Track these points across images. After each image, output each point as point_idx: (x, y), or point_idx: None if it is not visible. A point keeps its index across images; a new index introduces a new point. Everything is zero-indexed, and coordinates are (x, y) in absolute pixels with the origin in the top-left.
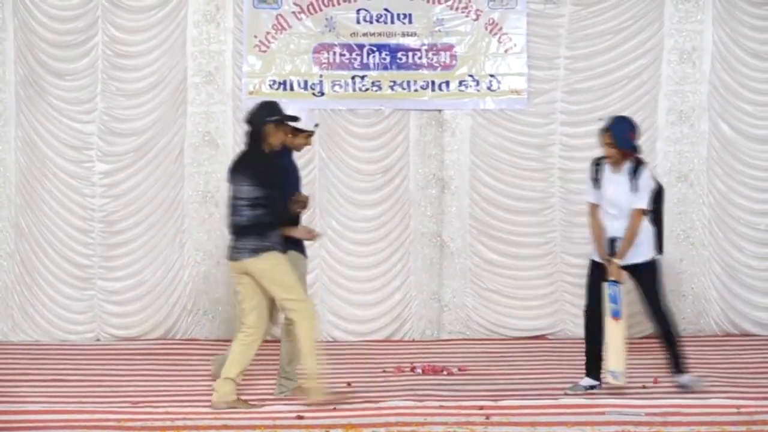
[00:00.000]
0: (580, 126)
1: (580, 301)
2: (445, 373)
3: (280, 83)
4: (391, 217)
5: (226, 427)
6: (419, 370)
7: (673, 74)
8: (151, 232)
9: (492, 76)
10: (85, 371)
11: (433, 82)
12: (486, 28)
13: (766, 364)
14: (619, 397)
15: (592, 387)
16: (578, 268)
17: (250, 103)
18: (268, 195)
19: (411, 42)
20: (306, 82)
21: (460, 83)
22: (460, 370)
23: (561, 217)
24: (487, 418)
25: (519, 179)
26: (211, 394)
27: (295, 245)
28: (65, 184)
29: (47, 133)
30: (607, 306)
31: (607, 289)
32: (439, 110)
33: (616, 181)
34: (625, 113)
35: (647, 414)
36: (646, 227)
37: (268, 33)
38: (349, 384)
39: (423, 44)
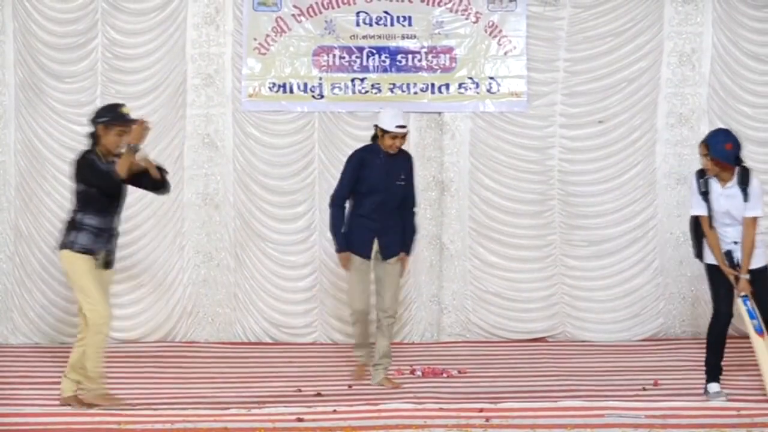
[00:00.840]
0: (580, 129)
1: (580, 303)
2: (444, 375)
3: (279, 86)
4: None
5: (226, 429)
6: (419, 373)
7: (672, 77)
8: (150, 234)
9: (491, 78)
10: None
11: (432, 85)
12: (486, 31)
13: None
14: (619, 400)
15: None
16: (578, 270)
17: (249, 106)
18: (80, 192)
19: (410, 44)
20: (306, 85)
21: (460, 86)
22: (459, 372)
23: (560, 219)
24: (487, 420)
25: (518, 182)
26: (212, 397)
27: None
28: (65, 186)
29: (47, 136)
30: (748, 323)
31: (743, 305)
32: (439, 113)
33: (727, 194)
34: (624, 116)
35: (647, 416)
36: (759, 234)
37: (267, 35)
38: (350, 386)
39: (422, 47)
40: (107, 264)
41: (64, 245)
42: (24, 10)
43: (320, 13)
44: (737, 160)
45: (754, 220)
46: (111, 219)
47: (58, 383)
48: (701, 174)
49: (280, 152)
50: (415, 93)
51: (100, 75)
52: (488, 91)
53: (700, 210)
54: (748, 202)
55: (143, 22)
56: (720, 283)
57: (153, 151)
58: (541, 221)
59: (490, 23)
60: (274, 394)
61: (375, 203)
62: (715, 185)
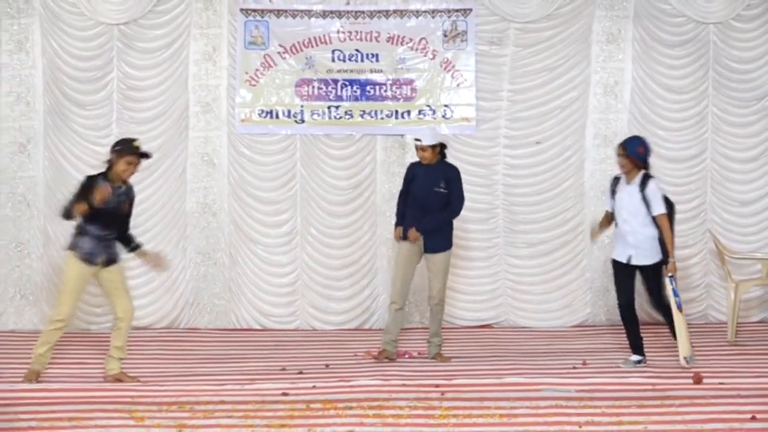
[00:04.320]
0: (521, 148)
1: (521, 295)
2: (406, 356)
3: (267, 112)
4: (361, 225)
5: (222, 402)
6: None
7: (598, 105)
8: (158, 238)
9: (446, 106)
10: (103, 356)
11: (396, 111)
12: (441, 66)
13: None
14: (553, 377)
15: (639, 362)
16: (519, 268)
17: (242, 129)
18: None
19: (378, 77)
20: (289, 111)
21: (419, 112)
22: (419, 354)
23: (504, 225)
24: (443, 394)
25: (469, 193)
26: (210, 374)
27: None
28: None
29: (70, 155)
30: (672, 299)
31: (669, 284)
32: (402, 135)
33: (626, 190)
34: (558, 138)
35: (577, 391)
36: (652, 234)
37: (257, 70)
38: (327, 366)
39: (388, 79)
40: (107, 263)
41: (70, 247)
42: (51, 49)
43: (301, 51)
44: (645, 162)
45: (660, 215)
46: (111, 229)
47: (81, 362)
48: (615, 178)
49: (268, 168)
50: (382, 118)
51: (116, 103)
52: (443, 116)
53: (607, 206)
54: (650, 201)
55: (152, 59)
56: (623, 279)
57: (160, 167)
58: (487, 227)
59: (445, 60)
60: (262, 372)
61: (420, 206)
62: (622, 182)
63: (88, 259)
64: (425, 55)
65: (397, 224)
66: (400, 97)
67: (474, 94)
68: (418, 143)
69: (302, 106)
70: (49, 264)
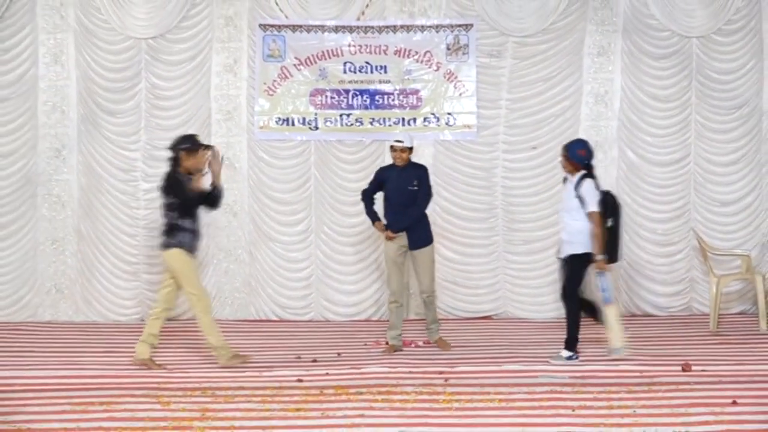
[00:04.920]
0: (518, 153)
1: (519, 289)
2: (412, 345)
3: (283, 120)
4: (370, 224)
5: (242, 388)
6: None
7: (590, 113)
8: None
9: (449, 114)
10: (132, 345)
11: (403, 119)
12: (445, 77)
13: (662, 337)
14: (548, 364)
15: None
16: (516, 263)
17: (260, 136)
18: (171, 203)
19: (386, 87)
20: (304, 119)
21: (425, 120)
22: (424, 343)
23: (503, 224)
24: (446, 380)
25: (470, 194)
26: (234, 364)
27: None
28: (116, 198)
29: (102, 159)
30: (599, 295)
31: (596, 280)
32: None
33: (567, 189)
34: (552, 143)
35: (571, 377)
36: (581, 227)
37: (274, 81)
38: (339, 354)
39: (395, 89)
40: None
41: (171, 245)
42: (84, 61)
43: (315, 63)
44: (584, 164)
45: (592, 214)
46: (199, 221)
47: (111, 351)
48: (564, 179)
49: (284, 171)
50: (390, 125)
51: (144, 111)
52: (446, 124)
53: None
54: (583, 199)
55: (177, 70)
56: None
57: None
58: (487, 225)
59: (448, 71)
60: (279, 360)
61: (396, 205)
62: (567, 181)
63: (191, 250)
64: (430, 67)
65: (373, 221)
66: (406, 105)
67: (475, 103)
68: (400, 144)
69: (316, 114)
70: (82, 260)
